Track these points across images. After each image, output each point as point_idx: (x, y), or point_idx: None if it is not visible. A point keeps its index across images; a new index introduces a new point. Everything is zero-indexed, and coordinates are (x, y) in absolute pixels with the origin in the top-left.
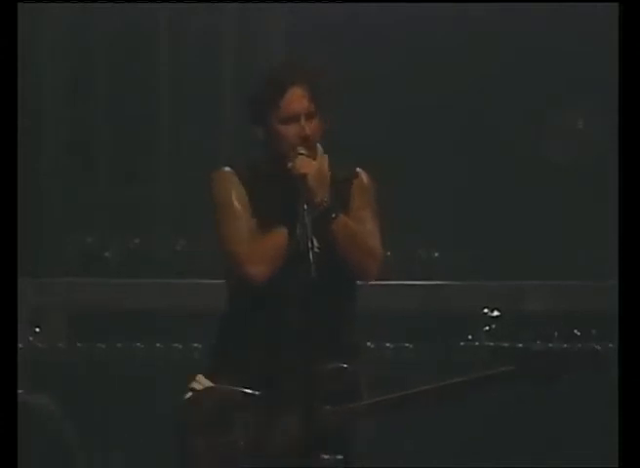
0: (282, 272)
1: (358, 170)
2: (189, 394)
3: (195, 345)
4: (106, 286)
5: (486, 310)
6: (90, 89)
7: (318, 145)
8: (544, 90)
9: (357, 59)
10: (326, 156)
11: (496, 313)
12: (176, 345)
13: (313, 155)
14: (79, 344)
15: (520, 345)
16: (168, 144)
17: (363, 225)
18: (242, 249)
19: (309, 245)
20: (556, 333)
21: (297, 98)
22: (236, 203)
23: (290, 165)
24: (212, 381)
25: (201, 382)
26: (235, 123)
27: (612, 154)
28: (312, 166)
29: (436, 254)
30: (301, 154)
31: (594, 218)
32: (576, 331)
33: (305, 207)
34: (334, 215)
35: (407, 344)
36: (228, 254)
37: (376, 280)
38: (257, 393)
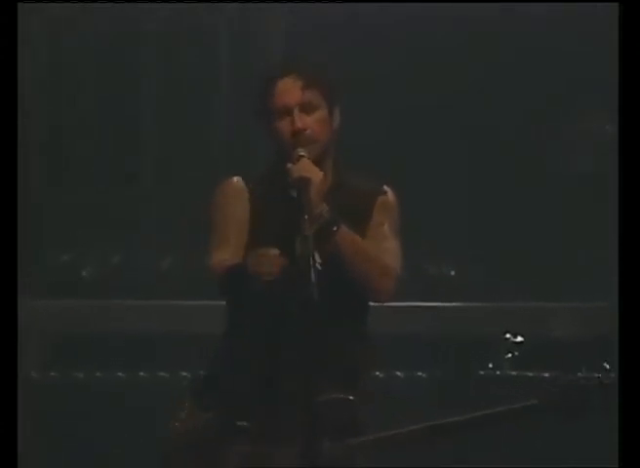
0: (280, 292)
1: (386, 187)
2: (176, 424)
3: (184, 374)
4: (83, 308)
5: (508, 335)
6: (84, 91)
7: (328, 150)
8: (544, 90)
9: (357, 59)
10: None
11: (519, 338)
12: (162, 374)
13: (314, 155)
14: (52, 373)
15: (546, 375)
16: (156, 149)
17: (379, 242)
18: (219, 257)
19: (311, 261)
20: (584, 363)
21: (286, 89)
22: (231, 214)
23: (288, 167)
24: (201, 411)
25: (189, 411)
26: (234, 126)
27: (612, 154)
28: (313, 171)
29: (452, 272)
30: (302, 156)
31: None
32: (606, 363)
33: (306, 217)
34: (335, 228)
35: (419, 373)
36: (208, 266)
37: (389, 301)
38: (250, 425)
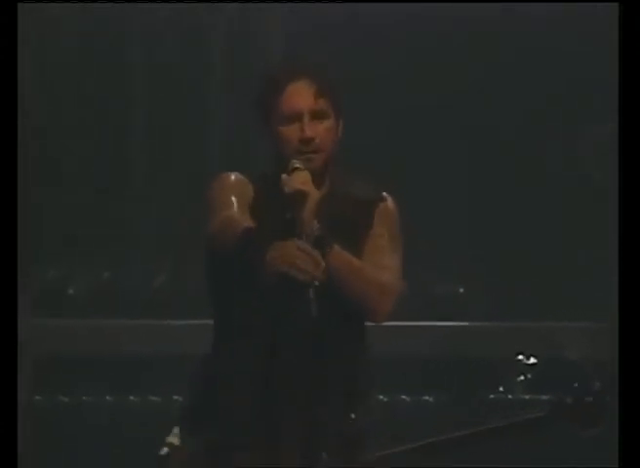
0: (277, 310)
1: (384, 194)
2: (164, 450)
3: (175, 397)
4: (71, 328)
5: (520, 357)
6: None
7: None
8: (544, 90)
9: (357, 59)
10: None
11: (532, 360)
12: (153, 398)
13: (316, 165)
14: (37, 397)
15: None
16: (149, 159)
17: (378, 257)
18: (226, 215)
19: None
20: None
21: (298, 94)
22: (235, 197)
23: (283, 177)
24: (192, 435)
25: (179, 436)
26: (234, 127)
27: (612, 154)
28: (308, 185)
29: (460, 290)
30: (297, 168)
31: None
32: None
33: (300, 232)
34: (328, 249)
35: (426, 397)
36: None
37: (388, 321)
38: (249, 443)
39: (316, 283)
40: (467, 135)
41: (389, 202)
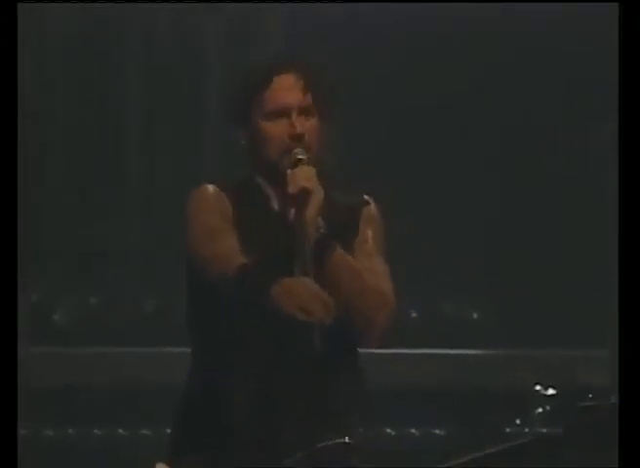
0: (276, 340)
1: (366, 197)
2: None
3: (165, 430)
4: (54, 356)
5: (538, 387)
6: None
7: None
8: (544, 90)
9: (357, 59)
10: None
11: (551, 391)
12: (144, 431)
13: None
14: (20, 431)
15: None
16: (139, 169)
17: (366, 263)
18: (224, 246)
19: None
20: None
21: (286, 87)
22: (216, 217)
23: (288, 172)
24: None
25: None
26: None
27: (611, 155)
28: (311, 180)
29: (474, 315)
30: (301, 160)
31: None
32: None
33: (305, 236)
34: (331, 250)
35: (436, 431)
36: (195, 261)
37: (382, 337)
38: None
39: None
40: (467, 134)
41: (372, 206)
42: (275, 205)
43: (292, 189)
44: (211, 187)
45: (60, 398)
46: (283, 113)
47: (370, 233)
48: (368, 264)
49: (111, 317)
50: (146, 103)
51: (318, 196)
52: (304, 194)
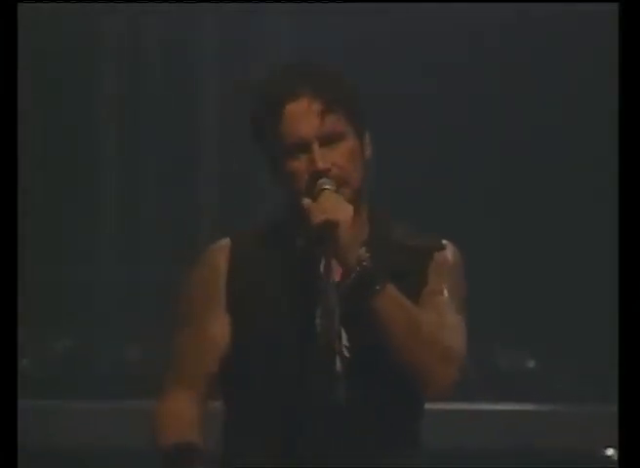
0: (291, 389)
1: (445, 241)
2: None
3: None
4: (26, 411)
5: (611, 451)
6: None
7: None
8: (544, 90)
9: (357, 59)
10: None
11: (610, 451)
12: None
13: (345, 199)
14: None
15: None
16: (146, 168)
17: (436, 314)
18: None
19: (336, 344)
20: None
21: (300, 116)
22: (205, 296)
23: (307, 204)
24: None
25: None
26: (231, 132)
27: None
28: (342, 208)
29: (530, 364)
30: (326, 189)
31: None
32: None
33: (332, 277)
34: (378, 287)
35: None
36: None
37: (447, 398)
38: None
39: (346, 353)
40: (467, 134)
41: (450, 251)
42: (300, 243)
43: (314, 221)
44: (218, 248)
45: (34, 459)
46: (302, 147)
47: (442, 284)
48: (436, 318)
49: (89, 365)
50: (146, 102)
51: (347, 223)
52: (330, 226)
